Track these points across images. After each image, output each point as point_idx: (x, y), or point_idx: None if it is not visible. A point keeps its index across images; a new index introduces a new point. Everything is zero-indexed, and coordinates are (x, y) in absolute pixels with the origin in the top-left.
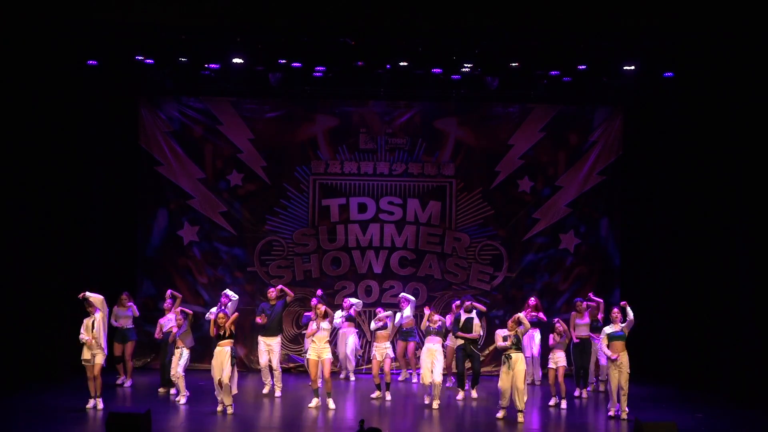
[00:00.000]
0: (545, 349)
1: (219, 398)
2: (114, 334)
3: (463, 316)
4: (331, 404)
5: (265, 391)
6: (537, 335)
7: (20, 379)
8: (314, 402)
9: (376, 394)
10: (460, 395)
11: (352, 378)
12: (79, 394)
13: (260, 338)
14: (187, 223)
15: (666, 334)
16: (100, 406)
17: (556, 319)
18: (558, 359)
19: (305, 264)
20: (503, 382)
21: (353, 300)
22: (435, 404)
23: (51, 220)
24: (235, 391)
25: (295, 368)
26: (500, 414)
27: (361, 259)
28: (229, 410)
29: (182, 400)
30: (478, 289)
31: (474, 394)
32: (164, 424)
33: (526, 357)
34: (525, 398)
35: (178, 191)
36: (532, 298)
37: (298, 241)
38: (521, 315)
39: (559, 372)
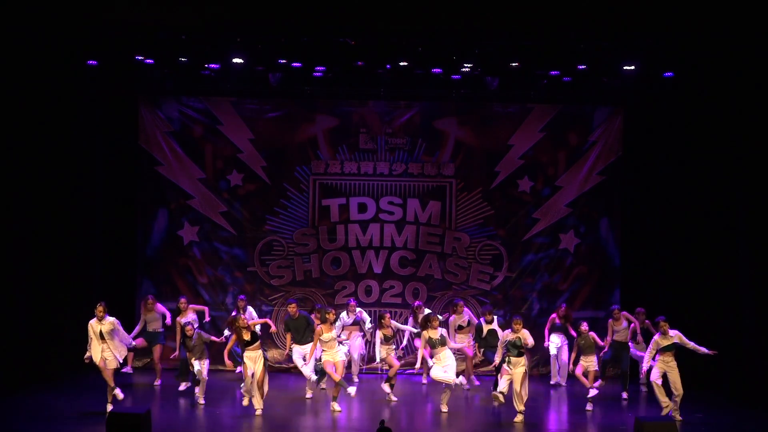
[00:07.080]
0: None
1: (250, 395)
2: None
3: (485, 327)
4: (337, 406)
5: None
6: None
7: (20, 379)
8: (351, 390)
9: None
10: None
11: (356, 380)
12: (79, 394)
13: (294, 346)
14: (187, 223)
15: None
16: (121, 396)
17: (583, 324)
18: (589, 363)
19: (305, 264)
20: (504, 383)
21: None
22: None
23: (51, 220)
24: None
25: (295, 368)
26: (517, 418)
27: (361, 259)
28: (258, 411)
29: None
30: (478, 289)
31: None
32: (164, 424)
33: (550, 356)
34: (524, 400)
35: (178, 191)
36: (563, 307)
37: (298, 241)
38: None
39: (590, 375)
